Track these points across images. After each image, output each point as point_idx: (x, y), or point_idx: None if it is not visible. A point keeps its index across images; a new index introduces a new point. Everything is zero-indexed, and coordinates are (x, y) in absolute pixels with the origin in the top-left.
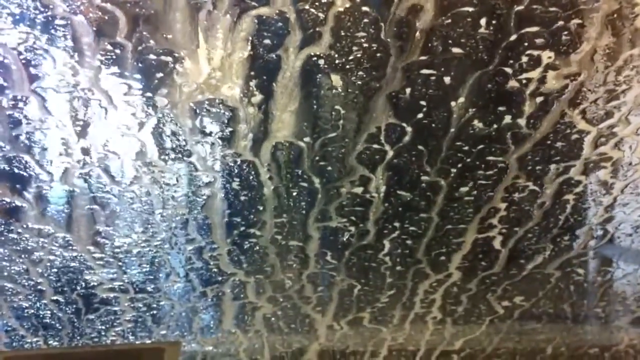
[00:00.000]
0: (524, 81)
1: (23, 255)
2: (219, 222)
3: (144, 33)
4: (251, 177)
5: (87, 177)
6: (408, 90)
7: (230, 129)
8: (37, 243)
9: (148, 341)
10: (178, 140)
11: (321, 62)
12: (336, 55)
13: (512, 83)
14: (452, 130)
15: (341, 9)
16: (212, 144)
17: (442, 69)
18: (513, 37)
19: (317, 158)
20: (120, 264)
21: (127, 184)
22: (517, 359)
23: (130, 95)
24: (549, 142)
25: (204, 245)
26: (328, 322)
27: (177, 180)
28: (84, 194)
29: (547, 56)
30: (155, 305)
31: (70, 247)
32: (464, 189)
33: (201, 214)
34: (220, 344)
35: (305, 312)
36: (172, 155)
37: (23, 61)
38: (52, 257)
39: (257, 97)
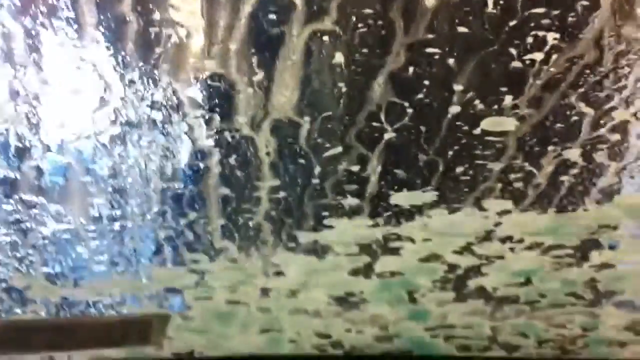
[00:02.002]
0: (528, 62)
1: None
2: (214, 196)
3: (148, 5)
4: (249, 153)
5: (84, 149)
6: (411, 69)
7: (231, 104)
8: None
9: (137, 313)
10: (178, 113)
11: (325, 38)
12: (341, 32)
13: (516, 64)
14: (453, 110)
15: None
16: (211, 118)
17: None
18: (519, 18)
19: (316, 135)
20: (112, 236)
21: (125, 157)
22: None
23: (130, 69)
24: (548, 123)
25: (197, 218)
26: None
27: (174, 155)
28: (81, 166)
29: (552, 37)
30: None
31: (64, 219)
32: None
33: (197, 188)
34: None
35: None
36: (171, 129)
37: (25, 32)
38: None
39: (259, 73)
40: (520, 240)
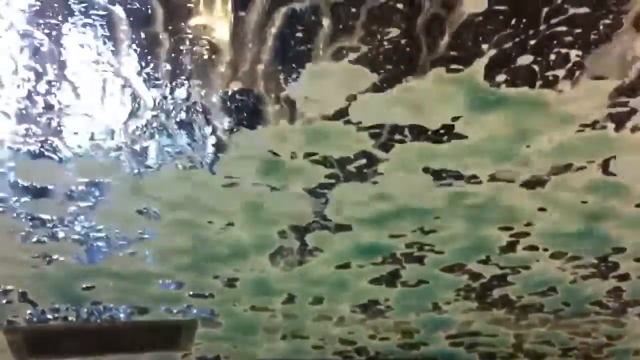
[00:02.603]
0: (551, 78)
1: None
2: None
3: (179, 24)
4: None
5: (117, 159)
6: None
7: (258, 119)
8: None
9: (166, 318)
10: (207, 126)
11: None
12: (366, 49)
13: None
14: None
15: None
16: (239, 131)
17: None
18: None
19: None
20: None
21: (155, 168)
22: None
23: (159, 86)
24: None
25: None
26: None
27: (203, 166)
28: (115, 175)
29: (575, 54)
30: None
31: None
32: None
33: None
34: None
35: None
36: (199, 142)
37: (58, 47)
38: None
39: (286, 89)
40: (545, 250)
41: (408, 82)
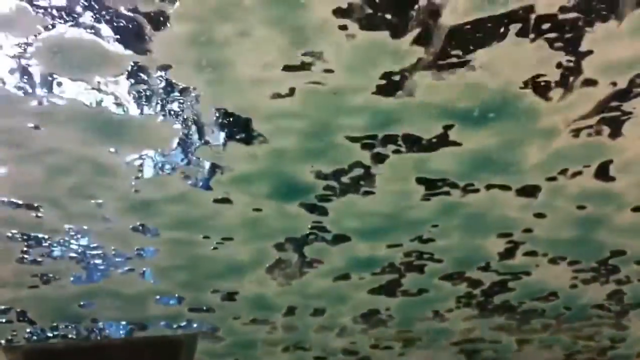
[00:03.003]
0: (542, 83)
1: None
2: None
3: None
4: None
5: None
6: None
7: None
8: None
9: (167, 333)
10: (200, 141)
11: None
12: None
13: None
14: None
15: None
16: (234, 147)
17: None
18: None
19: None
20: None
21: (151, 185)
22: None
23: (153, 104)
24: None
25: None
26: None
27: (198, 181)
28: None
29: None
30: None
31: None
32: None
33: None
34: None
35: None
36: (195, 159)
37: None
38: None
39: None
40: (544, 255)
41: (399, 94)
